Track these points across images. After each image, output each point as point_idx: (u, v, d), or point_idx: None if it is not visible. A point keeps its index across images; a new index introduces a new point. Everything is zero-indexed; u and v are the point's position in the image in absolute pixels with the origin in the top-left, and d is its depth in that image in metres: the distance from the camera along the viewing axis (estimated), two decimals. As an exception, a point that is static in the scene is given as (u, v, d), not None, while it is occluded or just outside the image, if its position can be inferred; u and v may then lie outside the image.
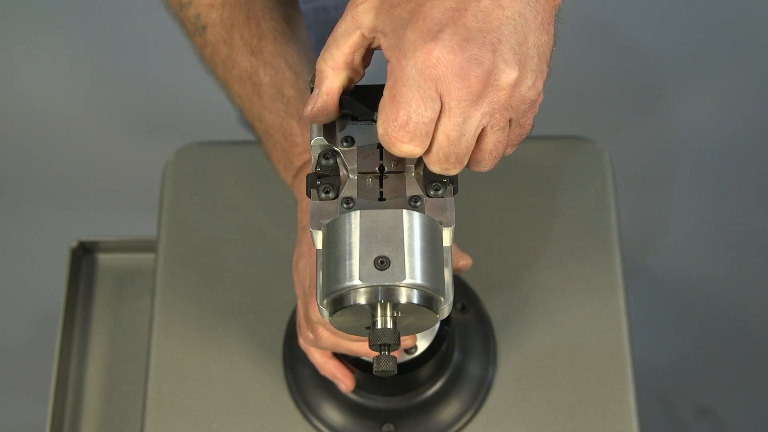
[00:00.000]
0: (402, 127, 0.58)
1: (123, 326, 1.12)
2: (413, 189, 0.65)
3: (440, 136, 0.59)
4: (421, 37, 0.57)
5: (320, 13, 1.23)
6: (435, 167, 0.61)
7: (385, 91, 0.59)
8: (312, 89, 0.67)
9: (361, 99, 0.66)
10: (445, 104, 0.58)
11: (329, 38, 0.62)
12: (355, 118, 0.66)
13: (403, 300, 0.61)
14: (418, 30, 0.57)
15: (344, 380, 0.86)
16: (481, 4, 0.58)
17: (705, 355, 1.88)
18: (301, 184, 0.81)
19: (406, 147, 0.59)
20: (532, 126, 0.64)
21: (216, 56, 0.81)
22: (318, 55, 0.71)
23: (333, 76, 0.62)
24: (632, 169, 1.99)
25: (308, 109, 0.63)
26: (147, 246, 1.13)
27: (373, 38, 0.61)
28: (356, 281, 0.60)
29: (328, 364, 0.86)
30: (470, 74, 0.57)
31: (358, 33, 0.61)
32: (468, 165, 0.63)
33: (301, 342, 0.84)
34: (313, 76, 0.68)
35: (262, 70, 0.79)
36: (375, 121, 0.66)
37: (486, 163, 0.63)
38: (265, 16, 0.80)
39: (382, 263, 0.60)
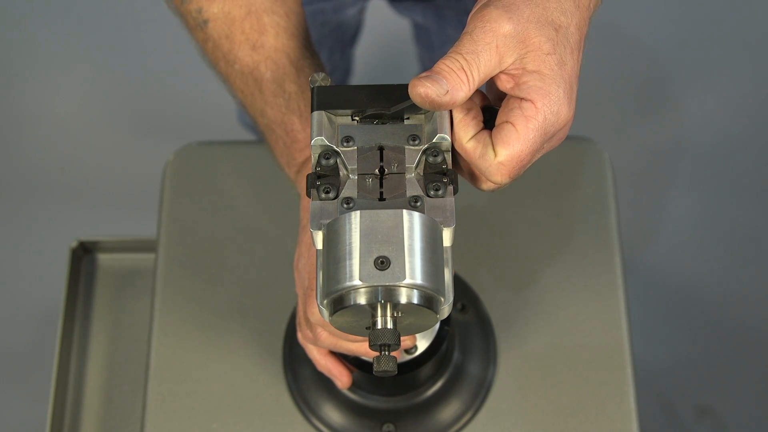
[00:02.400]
0: (523, 166, 0.65)
1: (123, 326, 1.12)
2: (413, 189, 0.65)
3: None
4: (567, 101, 0.65)
5: (318, 15, 1.23)
6: (489, 188, 0.69)
7: (520, 129, 0.64)
8: (312, 89, 0.68)
9: (374, 97, 0.66)
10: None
11: (469, 45, 0.64)
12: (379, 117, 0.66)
13: (403, 300, 0.61)
14: (566, 93, 0.65)
15: (340, 377, 0.86)
16: (577, 66, 0.67)
17: (705, 355, 1.88)
18: (304, 181, 0.81)
19: (507, 180, 0.66)
20: None
21: (218, 51, 0.81)
22: (320, 51, 0.72)
23: (467, 92, 0.64)
24: (632, 169, 1.99)
25: (425, 91, 0.63)
26: (147, 246, 1.13)
27: None
28: (356, 281, 0.60)
29: (325, 361, 0.86)
30: (566, 136, 0.68)
31: (497, 70, 0.65)
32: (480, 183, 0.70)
33: (300, 338, 0.84)
34: (313, 77, 0.68)
35: (263, 65, 0.79)
36: (378, 122, 0.67)
37: None
38: (267, 11, 0.80)
39: (382, 263, 0.60)
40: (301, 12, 0.82)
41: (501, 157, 0.64)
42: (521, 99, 0.64)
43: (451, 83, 0.63)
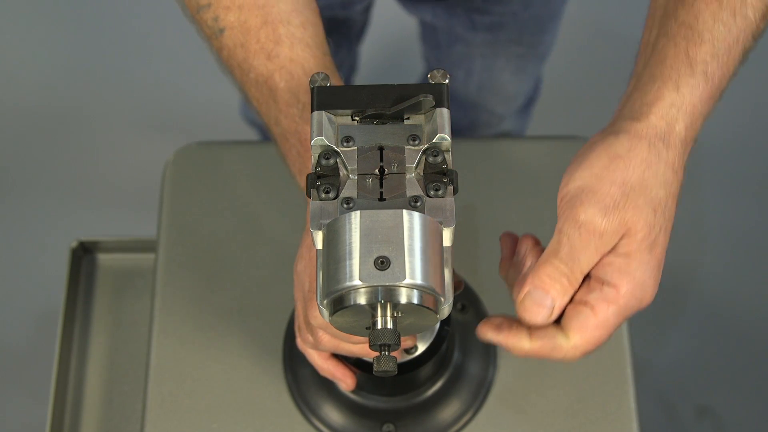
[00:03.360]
0: (595, 346, 0.65)
1: (123, 326, 1.12)
2: (413, 189, 0.65)
3: None
4: (652, 284, 0.65)
5: (326, 10, 1.23)
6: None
7: (599, 314, 0.64)
8: (312, 90, 0.67)
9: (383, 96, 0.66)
10: None
11: (567, 250, 0.64)
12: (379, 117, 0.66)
13: (403, 300, 0.61)
14: (653, 276, 0.64)
15: (344, 379, 0.86)
16: (668, 238, 0.67)
17: (705, 355, 1.88)
18: None
19: (580, 357, 0.66)
20: None
21: (232, 59, 0.81)
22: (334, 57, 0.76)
23: (570, 294, 0.64)
24: (632, 169, 1.98)
25: (531, 319, 0.64)
26: (147, 246, 1.13)
27: None
28: (356, 281, 0.60)
29: (327, 364, 0.86)
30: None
31: (591, 266, 0.64)
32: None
33: (300, 343, 0.84)
34: (313, 77, 0.68)
35: (278, 75, 0.79)
36: (377, 124, 0.67)
37: None
38: (283, 21, 0.80)
39: (382, 263, 0.60)
40: (318, 23, 0.82)
41: (575, 341, 0.64)
42: (603, 282, 0.64)
43: (554, 294, 0.63)
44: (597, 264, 0.64)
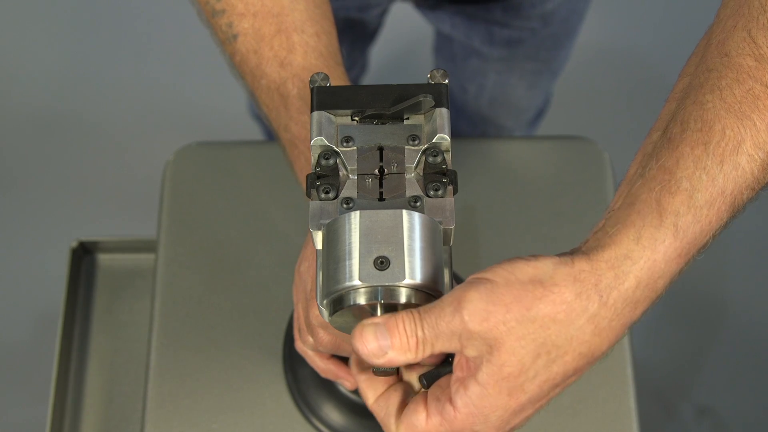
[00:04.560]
0: None
1: (123, 326, 1.12)
2: (413, 189, 0.65)
3: None
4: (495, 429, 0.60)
5: (341, 11, 1.23)
6: None
7: (432, 425, 0.61)
8: (312, 90, 0.67)
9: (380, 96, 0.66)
10: None
11: (434, 320, 0.59)
12: (380, 118, 0.66)
13: (402, 300, 0.61)
14: (499, 421, 0.60)
15: (348, 377, 0.86)
16: (541, 391, 0.60)
17: (705, 355, 1.88)
18: None
19: None
20: None
21: (245, 65, 0.81)
22: (341, 45, 0.76)
23: (411, 361, 0.59)
24: (632, 169, 1.98)
25: (362, 348, 0.59)
26: (147, 246, 1.13)
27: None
28: (356, 281, 0.60)
29: (329, 366, 0.86)
30: None
31: (459, 351, 0.59)
32: None
33: (300, 346, 0.84)
34: (313, 77, 0.68)
35: (291, 83, 0.79)
36: (370, 123, 0.67)
37: None
38: (297, 30, 0.80)
39: (381, 263, 0.60)
40: (333, 33, 0.82)
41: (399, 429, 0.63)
42: (450, 399, 0.61)
43: (395, 344, 0.59)
44: (456, 381, 0.61)
